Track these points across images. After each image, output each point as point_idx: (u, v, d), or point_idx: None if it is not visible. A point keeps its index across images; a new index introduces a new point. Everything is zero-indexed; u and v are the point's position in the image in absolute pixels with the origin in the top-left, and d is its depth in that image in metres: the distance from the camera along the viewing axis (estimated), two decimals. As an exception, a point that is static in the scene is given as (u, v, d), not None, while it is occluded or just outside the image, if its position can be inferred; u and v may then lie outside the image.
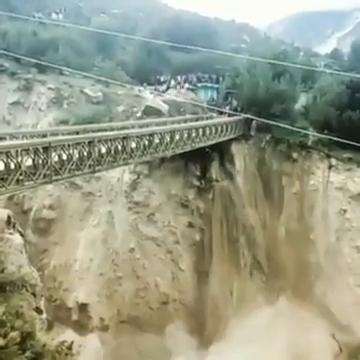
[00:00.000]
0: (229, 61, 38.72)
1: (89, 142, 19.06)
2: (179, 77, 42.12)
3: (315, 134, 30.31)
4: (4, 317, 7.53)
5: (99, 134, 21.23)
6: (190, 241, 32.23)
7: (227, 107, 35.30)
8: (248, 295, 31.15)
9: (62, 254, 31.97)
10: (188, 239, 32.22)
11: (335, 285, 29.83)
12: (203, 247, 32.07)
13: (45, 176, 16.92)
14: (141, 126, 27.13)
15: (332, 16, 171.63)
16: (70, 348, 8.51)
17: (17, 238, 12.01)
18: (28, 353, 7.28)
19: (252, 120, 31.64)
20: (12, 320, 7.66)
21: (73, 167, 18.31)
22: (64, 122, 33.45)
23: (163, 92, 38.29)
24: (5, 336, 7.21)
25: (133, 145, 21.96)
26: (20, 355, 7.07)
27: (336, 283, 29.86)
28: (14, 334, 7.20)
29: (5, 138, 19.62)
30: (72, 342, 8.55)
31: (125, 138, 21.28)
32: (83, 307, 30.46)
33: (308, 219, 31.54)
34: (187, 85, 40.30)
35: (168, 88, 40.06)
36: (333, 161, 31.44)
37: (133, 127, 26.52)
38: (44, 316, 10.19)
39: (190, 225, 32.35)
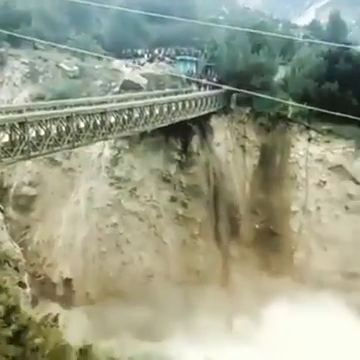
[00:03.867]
0: (207, 33, 38.21)
1: (67, 117, 18.78)
2: (157, 50, 41.42)
3: (295, 104, 30.35)
4: (-13, 292, 7.50)
5: (77, 109, 20.92)
6: (173, 215, 32.44)
7: (205, 80, 35.00)
8: (231, 266, 31.76)
9: (45, 230, 31.82)
10: (171, 213, 32.41)
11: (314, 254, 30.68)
12: (185, 220, 32.35)
13: (23, 152, 16.68)
14: (120, 100, 26.75)
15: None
16: (56, 320, 8.56)
17: (-3, 214, 11.90)
18: (13, 326, 7.30)
19: (232, 93, 31.52)
20: (-4, 295, 7.63)
21: (51, 143, 18.06)
22: (40, 97, 32.65)
23: (141, 65, 37.68)
24: (-11, 310, 7.21)
25: (112, 120, 21.73)
26: (5, 328, 7.08)
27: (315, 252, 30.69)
28: (-1, 308, 7.21)
29: (-20, 114, 19.13)
30: (57, 314, 8.59)
31: (104, 113, 21.01)
32: (68, 282, 30.58)
33: (288, 191, 32.01)
34: (166, 58, 39.71)
35: (150, 61, 39.35)
36: (312, 133, 31.82)
37: (112, 102, 26.12)
38: (28, 290, 10.21)
39: (172, 199, 32.50)
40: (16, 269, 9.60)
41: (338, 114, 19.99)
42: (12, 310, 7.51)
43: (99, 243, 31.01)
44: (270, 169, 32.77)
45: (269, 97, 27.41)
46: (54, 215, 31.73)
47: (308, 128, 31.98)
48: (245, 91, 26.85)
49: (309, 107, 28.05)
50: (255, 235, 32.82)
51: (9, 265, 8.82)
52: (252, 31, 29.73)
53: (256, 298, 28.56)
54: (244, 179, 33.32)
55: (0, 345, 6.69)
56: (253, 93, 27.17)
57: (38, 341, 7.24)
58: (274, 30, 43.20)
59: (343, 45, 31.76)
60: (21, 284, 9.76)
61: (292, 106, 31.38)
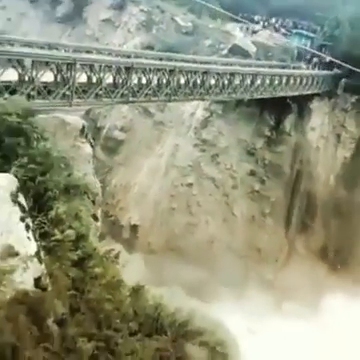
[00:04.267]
0: (332, 9, 35.72)
1: (170, 70, 19.05)
2: (274, 19, 39.85)
3: None
4: (64, 216, 8.14)
5: (181, 64, 21.07)
6: (248, 189, 32.16)
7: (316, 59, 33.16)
8: (293, 253, 31.16)
9: (124, 176, 33.32)
10: (247, 186, 32.15)
11: None
12: (260, 197, 31.94)
13: (123, 96, 17.35)
14: (224, 64, 26.45)
15: None
16: (117, 257, 9.14)
17: (87, 148, 12.71)
18: (79, 252, 7.90)
19: (341, 78, 29.63)
20: (70, 220, 8.26)
21: (150, 92, 18.54)
22: (150, 47, 33.35)
23: (255, 32, 36.58)
24: (62, 232, 7.86)
25: (212, 82, 21.64)
26: (72, 251, 7.71)
27: None
28: (70, 232, 7.83)
29: (91, 52, 20.07)
30: (119, 252, 9.16)
31: (205, 73, 20.98)
32: (134, 228, 32.11)
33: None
34: (282, 30, 38.13)
35: (263, 28, 38.09)
36: None
37: (216, 63, 25.91)
38: (99, 224, 10.96)
39: (252, 173, 32.10)
40: (93, 202, 10.28)
41: None
42: (81, 238, 8.13)
43: (171, 199, 31.86)
44: (360, 165, 30.87)
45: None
46: (136, 163, 32.97)
47: None
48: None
49: None
50: (327, 230, 31.55)
51: (88, 197, 9.45)
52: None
53: (311, 288, 28.05)
54: (331, 170, 31.82)
55: (65, 265, 7.33)
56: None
57: (98, 270, 7.84)
58: None
59: None
60: (94, 217, 10.46)
61: None
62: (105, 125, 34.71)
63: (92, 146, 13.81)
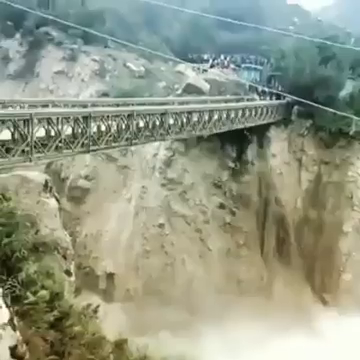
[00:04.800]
0: (276, 43, 37.75)
1: (128, 115, 19.21)
2: (223, 56, 41.48)
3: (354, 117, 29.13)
4: (35, 276, 7.85)
5: (138, 108, 21.35)
6: (220, 222, 32.26)
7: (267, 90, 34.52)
8: (274, 281, 31.09)
9: (94, 224, 32.78)
10: (218, 220, 32.26)
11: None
12: (232, 229, 32.07)
13: (83, 145, 17.25)
14: (181, 103, 27.06)
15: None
16: (95, 312, 8.82)
17: (52, 202, 12.45)
18: (55, 312, 7.59)
19: (293, 105, 30.88)
20: (43, 279, 7.98)
21: (111, 139, 18.56)
22: (105, 94, 33.79)
23: (205, 71, 37.88)
24: (35, 293, 7.54)
25: (171, 121, 21.96)
26: (48, 313, 7.38)
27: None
28: (44, 292, 7.52)
29: (47, 105, 20.07)
30: (98, 306, 8.85)
31: (164, 114, 21.29)
32: (110, 276, 31.30)
33: (343, 210, 30.85)
34: (231, 65, 39.67)
35: (211, 67, 39.57)
36: (375, 152, 30.48)
37: (173, 103, 26.48)
38: (73, 279, 10.59)
39: (221, 206, 32.33)
40: (64, 257, 10.00)
41: None
42: (56, 296, 7.82)
43: (144, 242, 31.45)
44: (325, 186, 31.75)
45: (334, 110, 26.37)
46: (105, 210, 32.61)
47: (371, 147, 30.72)
48: (309, 102, 26.07)
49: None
50: (302, 252, 31.90)
51: (58, 252, 9.20)
52: (321, 41, 28.93)
53: (296, 315, 27.85)
54: (297, 193, 32.53)
55: (41, 329, 6.98)
56: (316, 104, 26.34)
57: (77, 329, 7.50)
58: (346, 44, 41.82)
59: None
60: (67, 272, 10.13)
61: (356, 124, 30.19)
62: (69, 175, 34.41)
63: (57, 200, 13.56)
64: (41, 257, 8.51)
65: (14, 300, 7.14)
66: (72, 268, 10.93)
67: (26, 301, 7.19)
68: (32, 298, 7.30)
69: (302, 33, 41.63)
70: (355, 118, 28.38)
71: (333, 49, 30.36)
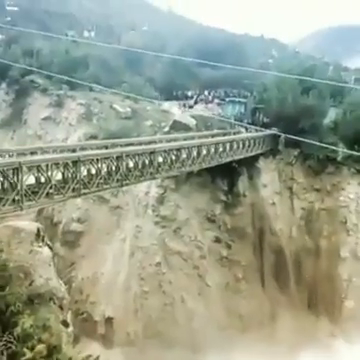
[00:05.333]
0: (257, 76, 38.72)
1: (117, 157, 19.34)
2: (206, 92, 42.39)
3: (344, 151, 29.79)
4: (31, 330, 7.64)
5: (127, 149, 21.55)
6: (217, 256, 31.95)
7: (253, 121, 35.16)
8: (276, 313, 30.55)
9: (89, 267, 32.24)
10: (215, 254, 31.95)
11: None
12: (229, 262, 31.74)
13: (74, 190, 17.24)
14: (168, 141, 27.33)
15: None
16: (96, 362, 8.52)
17: (46, 251, 12.25)
18: (54, 366, 7.31)
19: (280, 135, 31.38)
20: (39, 333, 7.76)
21: (101, 181, 18.59)
22: (93, 137, 34.09)
23: (191, 107, 38.56)
24: (32, 349, 7.30)
25: (160, 159, 22.12)
26: (46, 368, 7.12)
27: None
28: (41, 347, 7.29)
29: (36, 152, 20.13)
30: (98, 357, 8.56)
31: (152, 153, 21.47)
32: (109, 321, 30.50)
33: (338, 235, 30.80)
34: (215, 100, 40.46)
35: (196, 103, 40.32)
36: (364, 176, 30.80)
37: (161, 142, 26.74)
38: (70, 329, 10.27)
39: (217, 240, 32.11)
40: (60, 307, 9.74)
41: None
42: (54, 349, 7.57)
43: (142, 282, 30.91)
44: (318, 213, 31.81)
45: (314, 142, 26.97)
46: (99, 252, 32.18)
47: (359, 171, 31.03)
48: (290, 136, 26.76)
49: (356, 153, 27.51)
50: (302, 281, 31.55)
51: (54, 303, 8.97)
52: (299, 78, 29.86)
53: (301, 348, 27.23)
54: (291, 222, 32.46)
55: (40, 385, 6.70)
56: (298, 138, 27.02)
57: (77, 384, 7.21)
58: (324, 73, 43.11)
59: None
60: (64, 323, 9.84)
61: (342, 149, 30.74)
62: (61, 220, 34.13)
63: (50, 248, 13.37)
64: (37, 309, 8.30)
65: (11, 357, 6.90)
66: (69, 318, 10.62)
67: (23, 358, 6.93)
68: (29, 354, 7.06)
69: (281, 65, 43.11)
70: (334, 148, 29.06)
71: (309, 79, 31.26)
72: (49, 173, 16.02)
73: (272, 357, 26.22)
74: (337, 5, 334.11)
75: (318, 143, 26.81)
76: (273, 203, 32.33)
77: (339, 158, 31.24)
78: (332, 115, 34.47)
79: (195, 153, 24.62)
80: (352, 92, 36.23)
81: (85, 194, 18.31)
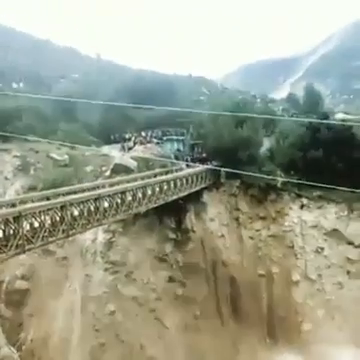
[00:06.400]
0: (191, 114, 39.79)
1: (61, 206, 18.72)
2: (144, 133, 42.77)
3: (278, 179, 31.21)
4: None
5: (70, 197, 20.92)
6: (172, 296, 31.38)
7: (193, 157, 35.90)
8: (240, 345, 30.27)
9: (39, 326, 30.30)
10: (170, 294, 31.39)
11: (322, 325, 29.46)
12: (186, 301, 31.23)
13: (17, 247, 16.34)
14: (112, 184, 26.96)
15: (283, 63, 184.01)
16: None
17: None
18: None
19: (220, 168, 32.12)
20: None
21: (46, 234, 17.82)
22: (32, 188, 32.92)
23: (130, 149, 38.64)
24: None
25: (106, 205, 21.71)
26: None
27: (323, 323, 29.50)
28: None
29: (-27, 211, 18.95)
30: None
31: (97, 198, 21.05)
32: (67, 382, 28.58)
33: (288, 260, 31.47)
34: (153, 140, 40.89)
35: (135, 144, 40.49)
36: (304, 200, 32.08)
37: (104, 186, 26.29)
38: None
39: (170, 279, 31.65)
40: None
41: (321, 185, 20.63)
42: None
43: (97, 334, 29.53)
44: (266, 240, 32.44)
45: (251, 173, 28.04)
46: (49, 308, 30.53)
47: (299, 196, 32.30)
48: (227, 169, 27.62)
49: (292, 179, 29.00)
50: (259, 309, 31.62)
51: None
52: (230, 114, 31.29)
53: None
54: (241, 252, 32.76)
55: None
56: (235, 170, 28.01)
57: None
58: (253, 106, 45.36)
59: (320, 121, 33.15)
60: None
61: (280, 176, 32.02)
62: (4, 279, 32.05)
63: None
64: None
65: None
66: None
67: None
68: None
69: (213, 101, 44.83)
70: (271, 177, 30.38)
71: (245, 112, 32.64)
72: (-12, 232, 15.10)
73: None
74: (257, 40, 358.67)
75: (255, 174, 27.86)
76: (222, 235, 32.61)
77: (279, 184, 32.39)
78: (267, 144, 36.04)
79: (140, 194, 24.49)
80: (282, 122, 38.28)
81: (29, 250, 17.42)
